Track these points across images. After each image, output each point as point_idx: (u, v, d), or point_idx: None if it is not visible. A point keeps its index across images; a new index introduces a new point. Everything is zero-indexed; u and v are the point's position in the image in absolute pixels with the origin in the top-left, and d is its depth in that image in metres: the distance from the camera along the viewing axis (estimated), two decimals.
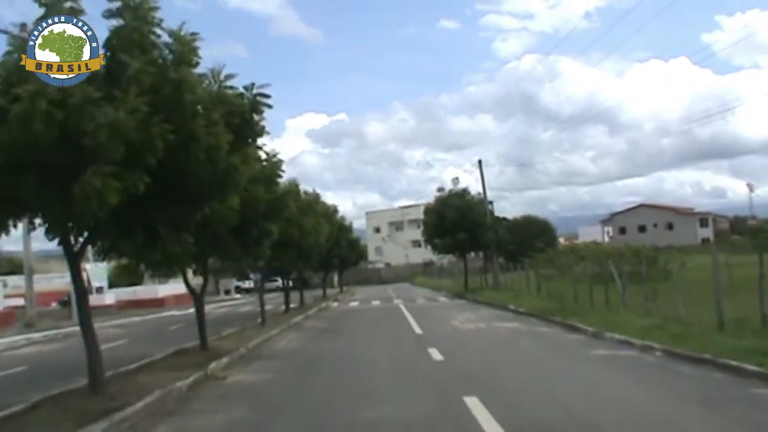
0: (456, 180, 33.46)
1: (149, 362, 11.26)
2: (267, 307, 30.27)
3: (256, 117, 7.92)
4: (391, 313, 23.87)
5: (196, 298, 12.93)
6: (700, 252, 30.45)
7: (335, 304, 32.81)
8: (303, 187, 19.84)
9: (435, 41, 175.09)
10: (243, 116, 7.68)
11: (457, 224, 31.56)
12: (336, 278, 56.98)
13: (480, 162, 33.60)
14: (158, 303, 41.28)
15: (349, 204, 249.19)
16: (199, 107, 6.94)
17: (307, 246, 17.28)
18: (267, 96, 7.99)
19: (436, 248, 34.26)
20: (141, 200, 6.49)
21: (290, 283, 24.48)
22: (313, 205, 18.47)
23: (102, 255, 8.49)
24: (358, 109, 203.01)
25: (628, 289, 15.57)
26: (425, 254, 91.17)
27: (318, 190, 23.44)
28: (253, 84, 7.91)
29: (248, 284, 74.44)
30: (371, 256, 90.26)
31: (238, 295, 61.91)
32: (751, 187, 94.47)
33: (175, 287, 51.17)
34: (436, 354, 11.26)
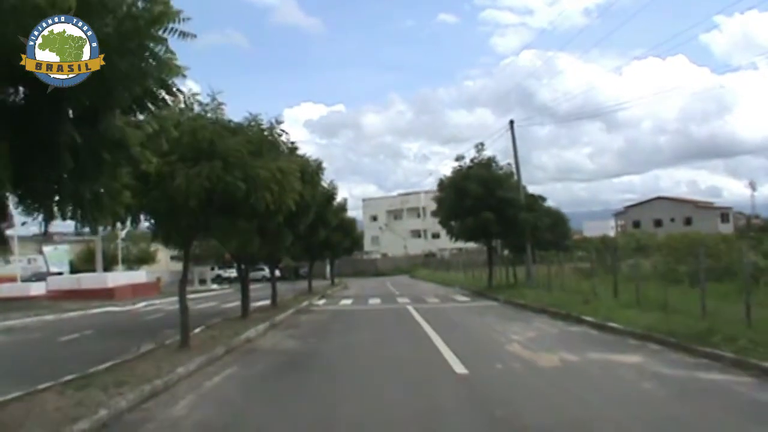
0: (480, 146, 25.85)
1: None
2: (228, 305, 22.97)
3: None
4: (400, 319, 16.46)
5: None
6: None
7: (322, 302, 25.28)
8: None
9: (434, 35, 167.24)
10: None
11: (482, 201, 24.03)
12: (328, 269, 49.35)
13: (512, 123, 26.07)
14: (107, 294, 33.63)
15: (346, 194, 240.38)
16: None
17: (261, 209, 9.71)
18: None
19: (452, 233, 26.61)
20: None
21: (247, 272, 16.78)
22: (273, 143, 10.78)
23: None
24: (356, 101, 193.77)
25: None
26: (425, 245, 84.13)
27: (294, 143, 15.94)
28: None
29: (231, 273, 67.26)
30: (367, 246, 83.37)
31: (215, 286, 54.18)
32: (753, 186, 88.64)
33: (133, 275, 43.60)
34: None
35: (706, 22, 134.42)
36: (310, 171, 15.30)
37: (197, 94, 10.04)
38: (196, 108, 10.53)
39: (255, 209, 9.83)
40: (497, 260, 36.00)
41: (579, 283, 20.50)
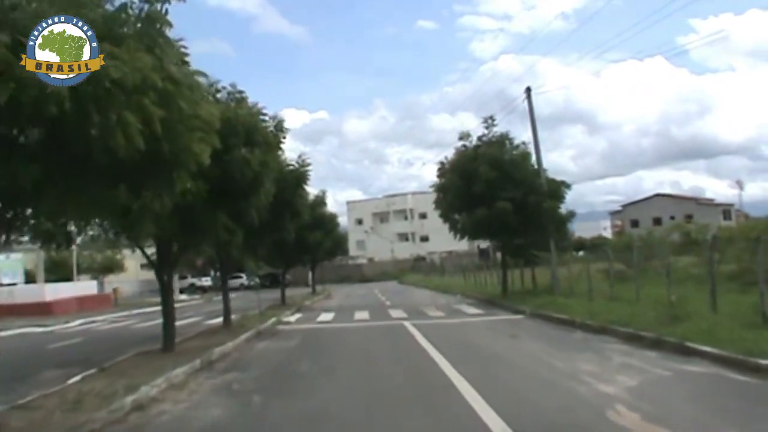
0: (490, 121, 20.83)
1: None
2: (180, 323, 17.63)
3: None
4: (399, 347, 11.32)
5: None
6: None
7: (295, 317, 20.04)
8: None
9: (414, 41, 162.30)
10: None
11: (496, 188, 19.07)
12: (310, 275, 44.02)
13: (528, 90, 21.08)
14: (43, 309, 28.15)
15: (330, 201, 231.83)
16: None
17: (121, 150, 4.60)
18: None
19: (455, 228, 21.42)
20: None
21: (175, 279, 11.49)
22: (153, 20, 5.43)
23: None
24: (339, 107, 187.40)
25: None
26: (413, 248, 78.91)
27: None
28: None
29: (206, 281, 61.94)
30: (352, 250, 78.30)
31: (183, 296, 48.40)
32: (740, 185, 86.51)
33: (81, 287, 37.81)
34: None
35: (683, 25, 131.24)
36: (262, 128, 10.05)
37: None
38: None
39: (111, 152, 4.64)
40: (491, 265, 30.79)
41: (624, 289, 15.60)
